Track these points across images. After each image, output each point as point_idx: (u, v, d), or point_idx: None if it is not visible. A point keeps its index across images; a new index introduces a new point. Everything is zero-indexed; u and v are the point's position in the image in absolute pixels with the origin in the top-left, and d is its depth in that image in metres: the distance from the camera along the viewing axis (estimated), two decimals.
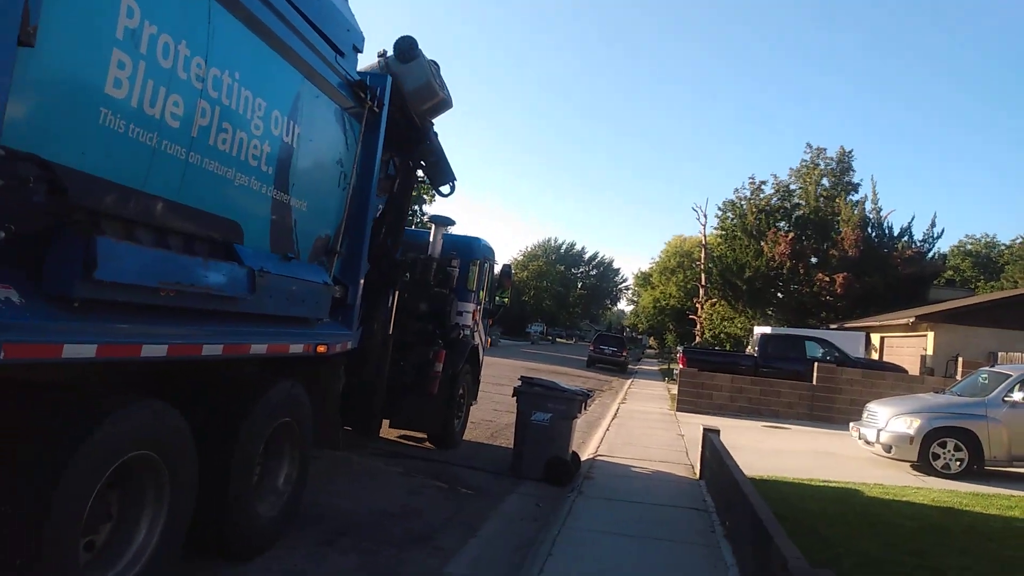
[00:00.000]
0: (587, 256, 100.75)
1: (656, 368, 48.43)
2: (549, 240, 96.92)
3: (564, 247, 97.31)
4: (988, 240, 62.07)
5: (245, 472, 5.05)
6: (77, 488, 3.54)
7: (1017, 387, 11.46)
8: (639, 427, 14.99)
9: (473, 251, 11.32)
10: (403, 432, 10.62)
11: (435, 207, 46.95)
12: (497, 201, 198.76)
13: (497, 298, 13.42)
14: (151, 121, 3.96)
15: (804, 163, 43.33)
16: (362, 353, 7.71)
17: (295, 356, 5.72)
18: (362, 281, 7.00)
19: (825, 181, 42.02)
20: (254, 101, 4.89)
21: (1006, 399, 11.36)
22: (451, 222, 10.45)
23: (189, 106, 4.24)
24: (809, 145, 50.90)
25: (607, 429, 14.08)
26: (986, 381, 12.26)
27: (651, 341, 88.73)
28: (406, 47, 7.43)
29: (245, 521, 5.10)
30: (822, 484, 9.82)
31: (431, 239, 9.96)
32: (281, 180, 5.36)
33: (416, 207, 43.01)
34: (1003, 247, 57.57)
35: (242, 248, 4.89)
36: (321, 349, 6.03)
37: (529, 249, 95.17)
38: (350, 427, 8.72)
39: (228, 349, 4.76)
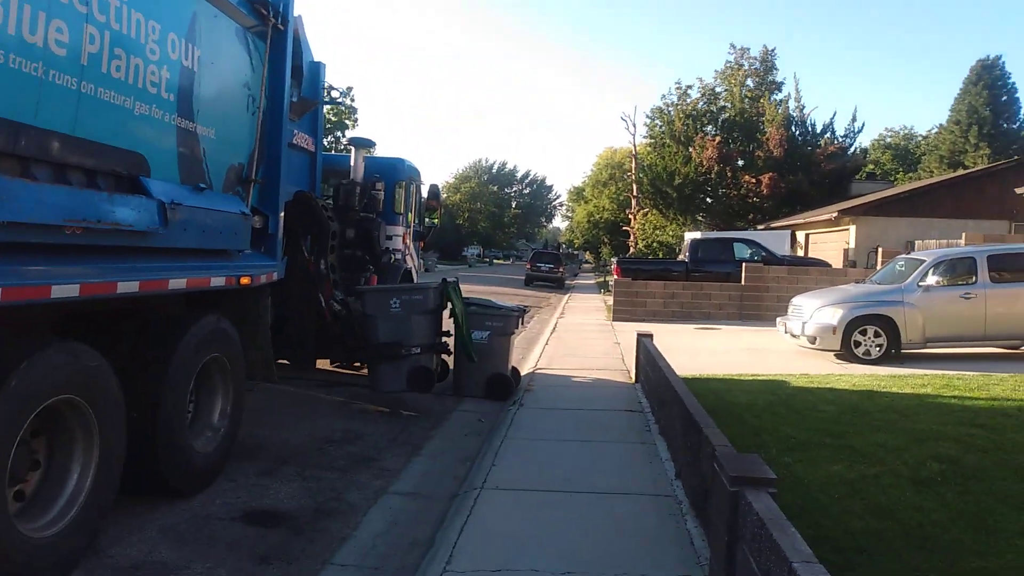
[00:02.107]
0: (520, 175, 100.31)
1: (593, 282, 49.12)
2: (480, 160, 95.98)
3: (496, 167, 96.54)
4: (907, 132, 63.85)
5: (177, 409, 4.99)
6: None
7: (931, 272, 12.02)
8: (577, 339, 15.28)
9: (397, 172, 11.12)
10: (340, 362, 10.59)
11: (357, 131, 45.74)
12: (424, 122, 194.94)
13: (427, 220, 13.30)
14: (33, 50, 3.71)
15: (729, 65, 43.61)
16: (290, 283, 7.60)
17: (219, 290, 5.61)
18: (282, 211, 6.83)
19: (750, 82, 42.39)
20: (147, 24, 4.61)
21: (920, 284, 11.92)
22: (371, 144, 10.22)
23: (75, 32, 3.98)
24: (732, 45, 51.22)
25: (546, 343, 14.32)
26: (903, 268, 12.80)
27: (587, 256, 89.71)
28: None
29: (182, 458, 5.07)
30: (751, 378, 10.24)
31: (352, 163, 9.71)
32: (185, 107, 5.12)
33: (339, 132, 41.89)
34: (920, 138, 59.24)
35: (149, 181, 4.69)
36: (244, 281, 5.92)
37: (460, 171, 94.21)
38: (286, 359, 8.67)
39: (145, 285, 4.63)
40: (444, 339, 8.78)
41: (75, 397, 4.00)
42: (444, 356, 8.95)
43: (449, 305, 8.74)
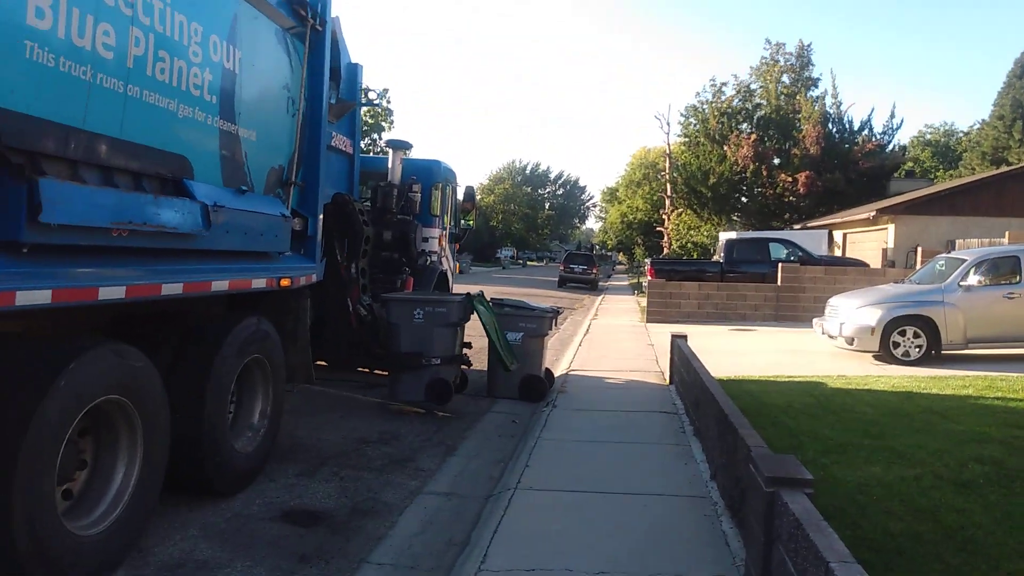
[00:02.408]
0: (553, 176, 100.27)
1: (626, 283, 48.93)
2: (513, 162, 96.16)
3: (529, 168, 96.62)
4: (947, 128, 62.49)
5: (219, 410, 5.09)
6: (46, 438, 3.55)
7: (972, 271, 11.79)
8: (610, 340, 15.24)
9: (434, 174, 11.20)
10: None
11: (393, 133, 46.07)
12: (457, 122, 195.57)
13: (462, 222, 13.36)
14: (82, 53, 3.81)
15: (764, 60, 43.04)
16: (329, 285, 7.71)
17: (260, 291, 5.70)
18: (322, 213, 6.93)
19: (785, 78, 41.81)
20: (189, 26, 4.70)
21: (961, 284, 11.70)
22: (408, 145, 10.29)
23: (121, 35, 4.07)
24: (768, 41, 50.59)
25: (579, 345, 14.31)
26: (943, 268, 12.58)
27: (620, 257, 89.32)
28: None
29: (223, 458, 5.17)
30: (787, 379, 10.13)
31: (389, 165, 9.81)
32: (227, 110, 5.22)
33: (375, 134, 42.21)
34: (961, 135, 57.97)
35: (193, 183, 4.79)
36: (285, 283, 6.01)
37: (494, 172, 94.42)
38: (324, 361, 8.79)
39: (189, 287, 4.72)
40: (464, 351, 8.76)
41: (121, 397, 4.09)
42: (464, 367, 8.92)
43: (478, 317, 8.72)
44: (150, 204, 4.29)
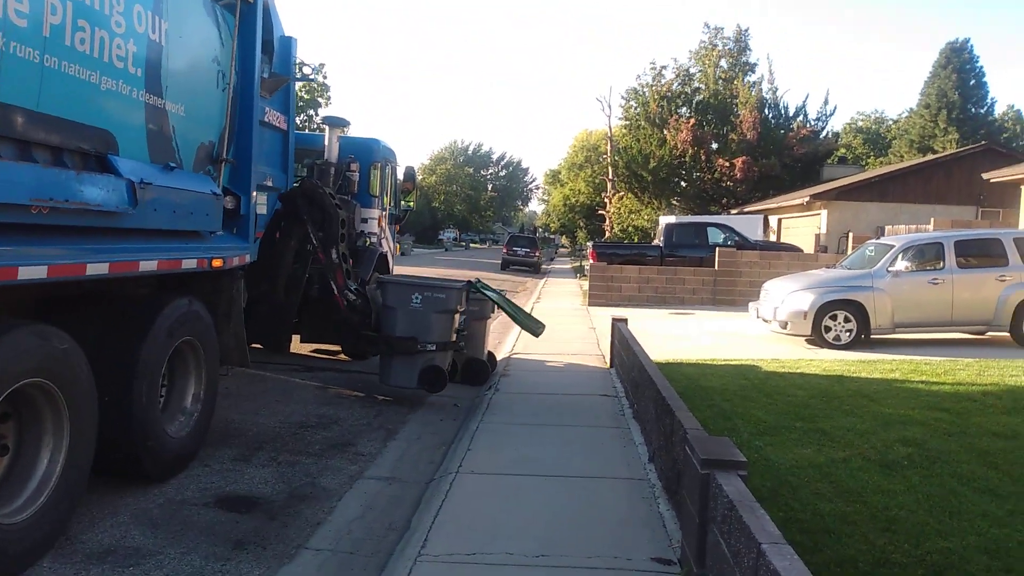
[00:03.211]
0: (495, 157, 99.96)
1: (568, 266, 49.23)
2: (455, 142, 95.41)
3: (472, 148, 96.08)
4: (878, 116, 64.43)
5: (149, 393, 4.92)
6: None
7: (899, 257, 12.19)
8: (553, 323, 15.25)
9: (372, 153, 11.00)
10: (316, 346, 10.54)
11: (329, 110, 45.27)
12: (397, 101, 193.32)
13: (403, 202, 13.20)
14: None
15: (703, 44, 43.67)
16: (263, 266, 7.53)
17: (190, 272, 5.53)
18: (255, 191, 6.74)
19: (723, 63, 42.48)
20: None
21: (889, 269, 12.09)
22: (346, 123, 10.06)
23: (36, 2, 3.86)
24: (707, 25, 51.26)
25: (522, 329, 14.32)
26: (872, 254, 12.97)
27: (563, 240, 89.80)
28: None
29: (154, 443, 5.01)
30: (723, 363, 10.34)
31: (326, 142, 9.56)
32: (153, 83, 5.01)
33: (311, 111, 41.41)
34: (891, 122, 59.77)
35: (118, 159, 4.60)
36: (217, 263, 5.84)
37: (436, 152, 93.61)
38: (259, 344, 8.60)
39: (115, 267, 4.55)
40: (460, 340, 8.43)
41: (45, 381, 3.93)
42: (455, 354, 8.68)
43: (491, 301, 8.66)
44: (72, 180, 4.11)
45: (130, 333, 4.88)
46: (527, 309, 17.98)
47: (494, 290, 8.74)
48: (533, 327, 8.59)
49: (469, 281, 8.46)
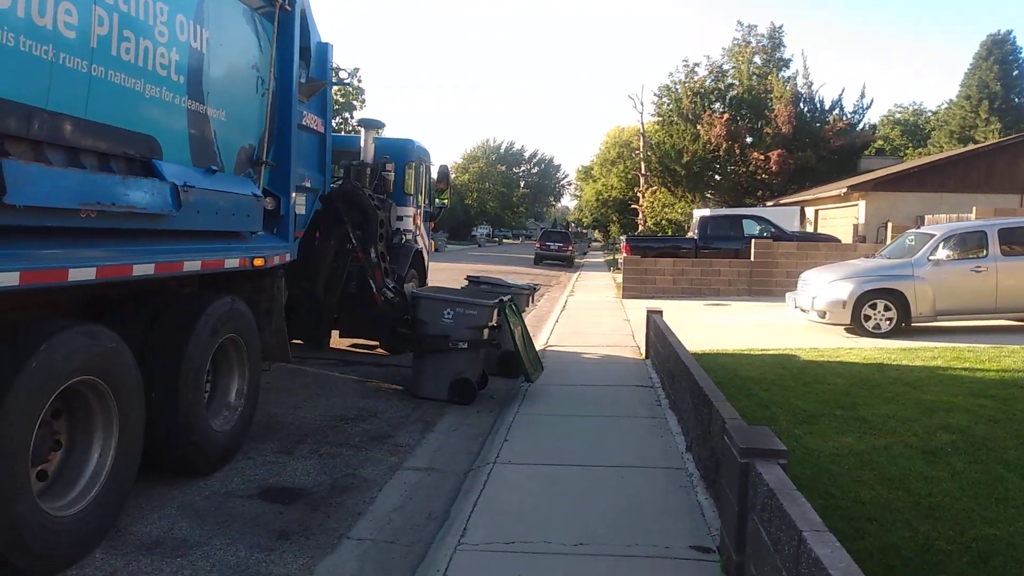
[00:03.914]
0: (527, 155, 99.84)
1: (602, 260, 49.09)
2: (488, 141, 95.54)
3: (504, 147, 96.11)
4: (916, 108, 63.13)
5: (194, 389, 5.06)
6: (18, 421, 3.53)
7: (941, 246, 11.98)
8: (587, 316, 15.32)
9: (407, 153, 11.12)
10: (354, 341, 10.68)
11: (364, 112, 45.61)
12: (431, 103, 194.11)
13: (437, 200, 13.31)
14: (43, 32, 3.74)
15: (736, 42, 43.21)
16: (303, 265, 7.67)
17: (233, 271, 5.67)
18: (294, 192, 6.87)
19: (757, 59, 42.01)
20: (155, 6, 4.63)
21: (931, 258, 11.89)
22: (380, 124, 10.20)
23: (84, 14, 4.01)
24: (740, 23, 50.65)
25: (556, 321, 14.37)
26: (913, 243, 12.76)
27: (596, 234, 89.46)
28: None
29: (200, 437, 5.15)
30: (760, 353, 10.26)
31: (362, 144, 9.72)
32: (195, 89, 5.15)
33: (347, 114, 41.76)
34: (930, 114, 58.63)
35: (161, 164, 4.74)
36: (258, 262, 5.97)
37: (469, 151, 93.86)
38: (299, 340, 8.75)
39: (160, 267, 4.69)
40: (493, 337, 8.24)
41: (94, 378, 4.06)
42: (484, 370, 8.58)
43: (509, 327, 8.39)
44: (118, 185, 4.24)
45: (175, 331, 5.02)
46: (561, 302, 18.06)
47: (518, 314, 8.61)
48: (529, 370, 8.20)
49: (501, 300, 8.46)
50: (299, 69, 6.96)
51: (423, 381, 7.98)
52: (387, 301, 8.22)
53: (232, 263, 5.58)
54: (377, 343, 10.39)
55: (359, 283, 8.83)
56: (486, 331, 8.11)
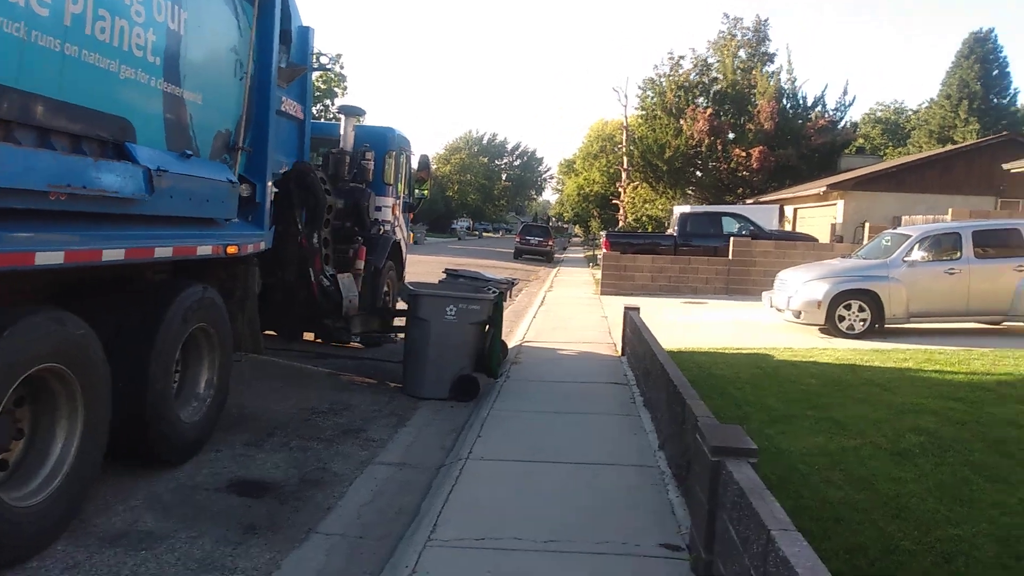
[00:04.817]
0: (510, 147, 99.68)
1: (582, 255, 49.17)
2: (470, 132, 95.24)
3: (486, 138, 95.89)
4: (897, 106, 63.78)
5: (163, 379, 4.98)
6: None
7: (916, 247, 12.10)
8: (565, 312, 15.33)
9: (387, 142, 11.03)
10: None
11: (346, 99, 45.30)
12: (413, 92, 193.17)
13: (417, 191, 13.22)
14: (15, 9, 3.64)
15: (721, 35, 43.28)
16: (277, 254, 7.57)
17: (205, 259, 5.58)
18: (270, 180, 6.78)
19: (742, 53, 42.11)
20: None
21: (905, 259, 12.00)
22: (361, 112, 10.09)
23: None
24: (726, 15, 50.83)
25: (534, 316, 14.36)
26: (888, 243, 12.88)
27: (576, 229, 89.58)
28: None
29: (168, 428, 5.08)
30: (735, 351, 10.32)
31: (341, 131, 9.60)
32: (171, 72, 5.05)
33: (328, 100, 41.45)
34: (910, 113, 59.17)
35: (135, 147, 4.65)
36: (232, 250, 5.88)
37: (451, 142, 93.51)
38: (272, 331, 8.67)
39: (131, 253, 4.60)
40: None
41: (59, 366, 3.99)
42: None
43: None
44: (90, 167, 4.16)
45: (145, 319, 4.94)
46: (539, 297, 18.06)
47: (501, 310, 8.64)
48: (494, 369, 8.29)
49: (499, 293, 8.46)
50: (279, 53, 6.84)
51: (423, 380, 7.84)
52: (322, 290, 8.07)
53: (205, 250, 5.49)
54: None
55: (299, 270, 8.29)
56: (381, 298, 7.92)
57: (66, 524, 4.11)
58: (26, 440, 4.03)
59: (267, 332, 7.79)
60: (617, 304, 13.54)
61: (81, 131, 4.25)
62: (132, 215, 4.62)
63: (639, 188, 43.40)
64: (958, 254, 12.05)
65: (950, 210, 18.93)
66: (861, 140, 50.33)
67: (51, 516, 3.97)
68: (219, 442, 5.82)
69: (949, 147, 32.50)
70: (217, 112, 5.83)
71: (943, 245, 12.32)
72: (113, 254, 4.45)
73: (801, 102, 38.92)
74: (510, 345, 10.49)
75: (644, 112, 43.83)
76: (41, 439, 4.08)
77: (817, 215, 27.83)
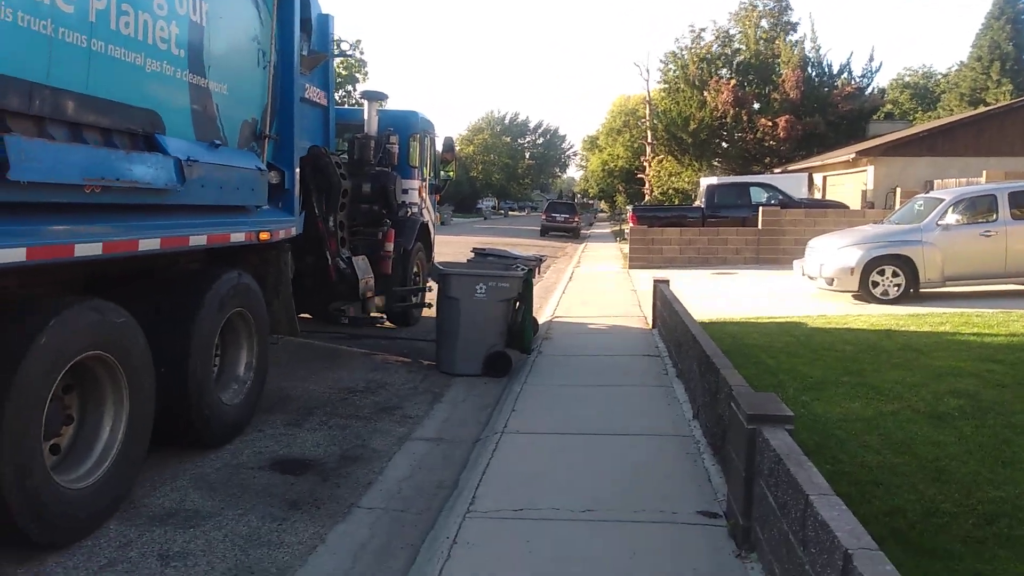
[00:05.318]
0: (533, 125, 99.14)
1: (608, 231, 48.92)
2: (492, 112, 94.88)
3: (508, 118, 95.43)
4: (926, 71, 62.26)
5: (203, 364, 5.10)
6: (29, 396, 3.57)
7: (950, 210, 11.88)
8: (594, 287, 15.32)
9: (411, 125, 11.04)
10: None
11: (367, 84, 45.31)
12: (435, 76, 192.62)
13: (442, 173, 13.25)
14: (41, 7, 3.71)
15: (743, 5, 42.56)
16: (310, 239, 7.66)
17: (239, 245, 5.68)
18: (297, 167, 6.85)
19: (764, 23, 41.40)
20: None
21: (939, 223, 11.80)
22: (384, 96, 10.11)
23: None
24: None
25: (563, 292, 14.38)
26: (921, 208, 12.66)
27: (602, 205, 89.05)
28: None
29: (210, 410, 5.20)
30: (768, 320, 10.26)
31: (365, 116, 9.64)
32: (196, 63, 5.11)
33: (350, 86, 41.51)
34: (940, 76, 57.83)
35: (164, 138, 4.72)
36: (264, 236, 5.97)
37: (473, 123, 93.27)
38: (308, 314, 8.77)
39: (166, 242, 4.70)
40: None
41: (104, 353, 4.10)
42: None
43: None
44: (122, 160, 4.24)
45: (183, 306, 5.05)
46: (567, 273, 18.06)
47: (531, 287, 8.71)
48: (526, 345, 8.36)
49: (528, 270, 8.50)
50: (300, 41, 6.90)
51: (455, 357, 7.93)
52: (339, 272, 8.13)
53: (238, 237, 5.59)
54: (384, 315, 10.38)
55: (315, 254, 8.26)
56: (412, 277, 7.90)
57: (117, 505, 4.24)
58: (76, 425, 4.17)
59: (302, 315, 7.88)
60: (646, 277, 13.51)
61: (111, 124, 4.32)
62: (165, 205, 4.72)
63: (664, 162, 43.01)
64: (994, 216, 11.81)
65: (984, 172, 18.54)
66: (889, 105, 49.26)
67: (103, 497, 4.10)
68: (260, 423, 5.94)
69: (981, 109, 31.72)
70: (243, 101, 5.89)
71: (978, 208, 12.08)
72: (149, 244, 4.55)
73: (827, 70, 38.21)
74: (540, 321, 10.52)
75: (667, 86, 43.33)
76: (90, 424, 4.21)
77: (847, 182, 27.39)
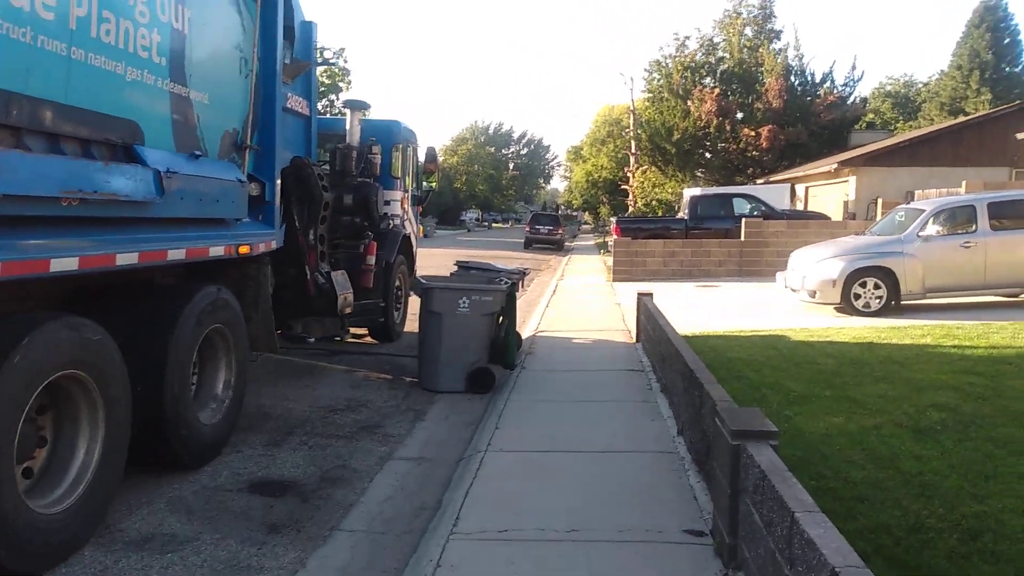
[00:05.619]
0: (516, 136, 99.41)
1: (592, 243, 49.03)
2: (476, 122, 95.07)
3: (492, 128, 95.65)
4: (907, 79, 62.93)
5: (180, 382, 5.00)
6: (1, 418, 3.47)
7: (930, 221, 11.97)
8: (577, 301, 15.31)
9: (394, 135, 10.99)
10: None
11: (351, 93, 45.20)
12: (419, 83, 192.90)
13: (424, 184, 13.20)
14: (19, 14, 3.63)
15: (727, 13, 42.97)
16: (289, 252, 7.57)
17: (218, 259, 5.59)
18: (279, 179, 6.78)
19: (748, 31, 41.77)
20: None
21: (920, 234, 11.87)
22: (366, 106, 10.06)
23: None
24: None
25: (547, 306, 14.35)
26: (902, 219, 12.74)
27: (586, 216, 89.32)
28: None
29: (188, 430, 5.10)
30: (750, 334, 10.27)
31: (347, 126, 9.58)
32: (177, 72, 5.04)
33: (333, 96, 41.37)
34: (920, 85, 58.45)
35: (144, 149, 4.65)
36: (244, 250, 5.89)
37: (457, 133, 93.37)
38: (278, 330, 8.63)
39: (144, 256, 4.62)
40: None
41: (79, 372, 4.00)
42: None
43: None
44: (100, 171, 4.17)
45: (160, 322, 4.95)
46: (551, 286, 18.03)
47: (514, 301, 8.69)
48: (510, 361, 8.31)
49: (512, 284, 8.46)
50: (283, 50, 6.83)
51: (437, 374, 7.84)
52: (317, 287, 8.03)
53: (217, 251, 5.51)
54: (366, 330, 10.30)
55: (295, 268, 8.07)
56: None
57: (92, 530, 4.14)
58: (49, 447, 4.06)
59: (279, 330, 7.78)
60: (630, 291, 13.51)
61: (90, 135, 4.25)
62: (144, 218, 4.64)
63: (648, 172, 43.18)
64: (973, 227, 11.90)
65: (964, 183, 18.72)
66: (871, 115, 49.74)
67: (77, 522, 3.99)
68: (239, 443, 5.84)
69: (961, 119, 32.06)
70: (224, 111, 5.83)
71: (958, 218, 12.17)
72: (127, 258, 4.47)
73: (809, 79, 38.54)
74: (524, 335, 10.47)
75: (651, 95, 43.55)
76: (64, 446, 4.10)
77: (829, 193, 27.62)
